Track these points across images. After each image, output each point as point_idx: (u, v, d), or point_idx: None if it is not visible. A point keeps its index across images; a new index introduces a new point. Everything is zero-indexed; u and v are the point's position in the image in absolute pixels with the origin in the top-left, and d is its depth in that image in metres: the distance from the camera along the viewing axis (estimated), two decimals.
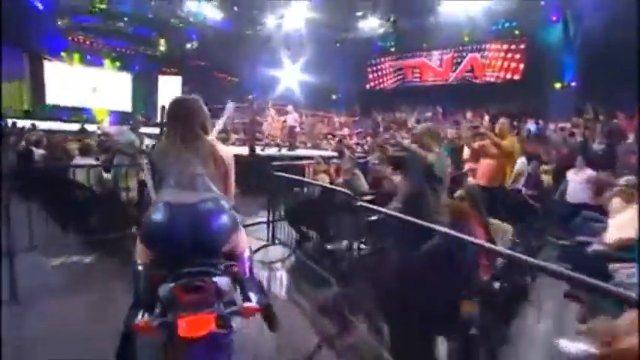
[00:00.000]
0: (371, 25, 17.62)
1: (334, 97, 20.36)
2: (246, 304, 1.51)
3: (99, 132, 11.14)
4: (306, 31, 18.13)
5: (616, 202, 3.32)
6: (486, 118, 14.61)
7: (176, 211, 1.50)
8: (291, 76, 19.64)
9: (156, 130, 8.42)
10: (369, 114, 18.46)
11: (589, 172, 5.22)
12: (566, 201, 5.24)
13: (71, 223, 3.38)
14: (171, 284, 1.38)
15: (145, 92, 19.41)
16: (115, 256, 3.21)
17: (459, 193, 2.05)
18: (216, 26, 18.34)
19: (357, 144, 11.43)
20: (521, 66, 15.23)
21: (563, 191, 5.45)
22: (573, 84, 13.84)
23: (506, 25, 15.35)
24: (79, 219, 3.40)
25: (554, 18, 13.29)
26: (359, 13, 17.24)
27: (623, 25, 10.85)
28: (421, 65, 18.49)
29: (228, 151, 1.85)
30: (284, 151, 9.20)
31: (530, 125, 12.79)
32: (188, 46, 19.72)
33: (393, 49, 18.88)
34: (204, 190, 1.61)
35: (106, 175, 3.90)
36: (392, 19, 16.26)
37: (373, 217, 2.65)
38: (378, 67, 19.54)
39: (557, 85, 14.12)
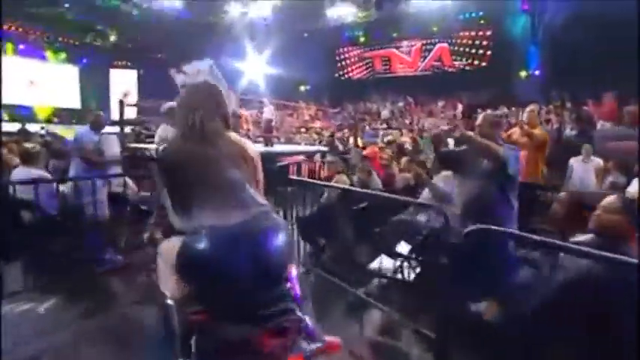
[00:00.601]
0: (340, 13, 17.04)
1: (303, 89, 19.69)
2: (329, 339, 1.31)
3: (42, 132, 9.68)
4: (272, 20, 17.20)
5: None
6: (459, 107, 14.72)
7: (227, 236, 1.20)
8: (255, 68, 18.67)
9: (115, 129, 7.37)
10: (340, 105, 18.05)
11: (597, 161, 5.06)
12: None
13: (17, 256, 2.51)
14: (247, 327, 1.17)
15: (95, 87, 17.48)
16: (84, 299, 2.41)
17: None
18: (175, 14, 16.84)
19: (338, 138, 10.88)
20: (488, 54, 15.48)
21: (568, 180, 5.26)
22: (537, 72, 14.25)
23: (473, 14, 15.50)
24: (29, 250, 2.54)
25: (526, 7, 13.48)
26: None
27: (583, 17, 11.18)
28: (390, 55, 18.35)
29: (254, 149, 1.52)
30: (269, 148, 8.43)
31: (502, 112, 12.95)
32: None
33: (362, 39, 18.56)
34: (250, 203, 1.29)
35: (61, 189, 3.02)
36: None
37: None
38: (348, 57, 19.16)
39: (523, 74, 14.48)
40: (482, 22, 15.32)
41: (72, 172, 3.31)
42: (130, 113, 10.86)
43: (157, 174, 1.37)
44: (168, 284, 1.27)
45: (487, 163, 2.10)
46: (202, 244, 1.17)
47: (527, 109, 3.89)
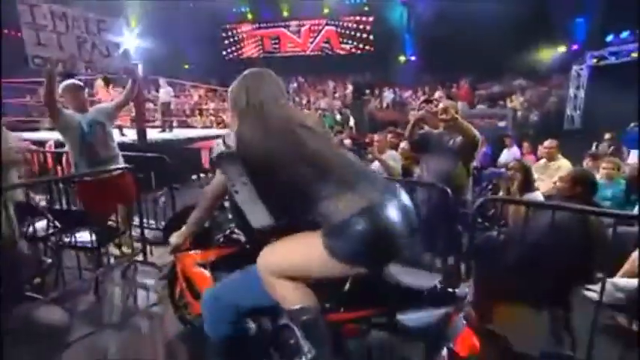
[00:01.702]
0: None
1: (187, 67, 17.99)
2: None
3: None
4: None
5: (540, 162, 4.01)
6: (350, 87, 15.69)
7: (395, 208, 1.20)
8: (128, 41, 16.07)
9: None
10: (229, 86, 17.15)
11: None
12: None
13: None
14: None
15: None
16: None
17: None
18: None
19: None
20: (371, 39, 16.75)
21: None
22: (413, 58, 16.18)
23: (358, 1, 16.47)
24: None
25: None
26: None
27: (444, 14, 13.04)
28: (280, 34, 18.19)
29: None
30: (167, 133, 7.56)
31: (389, 94, 14.41)
32: None
33: (250, 16, 17.88)
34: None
35: None
36: None
37: None
38: (236, 34, 18.25)
39: (402, 59, 16.25)
40: (366, 8, 16.41)
41: None
42: None
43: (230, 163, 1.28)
44: (302, 295, 1.23)
45: (465, 142, 2.40)
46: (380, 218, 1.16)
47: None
